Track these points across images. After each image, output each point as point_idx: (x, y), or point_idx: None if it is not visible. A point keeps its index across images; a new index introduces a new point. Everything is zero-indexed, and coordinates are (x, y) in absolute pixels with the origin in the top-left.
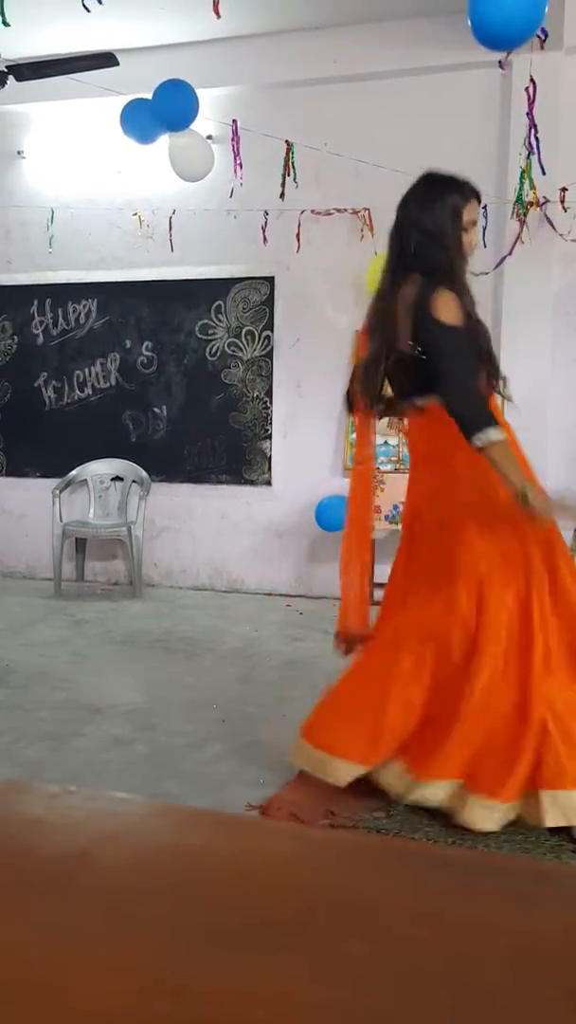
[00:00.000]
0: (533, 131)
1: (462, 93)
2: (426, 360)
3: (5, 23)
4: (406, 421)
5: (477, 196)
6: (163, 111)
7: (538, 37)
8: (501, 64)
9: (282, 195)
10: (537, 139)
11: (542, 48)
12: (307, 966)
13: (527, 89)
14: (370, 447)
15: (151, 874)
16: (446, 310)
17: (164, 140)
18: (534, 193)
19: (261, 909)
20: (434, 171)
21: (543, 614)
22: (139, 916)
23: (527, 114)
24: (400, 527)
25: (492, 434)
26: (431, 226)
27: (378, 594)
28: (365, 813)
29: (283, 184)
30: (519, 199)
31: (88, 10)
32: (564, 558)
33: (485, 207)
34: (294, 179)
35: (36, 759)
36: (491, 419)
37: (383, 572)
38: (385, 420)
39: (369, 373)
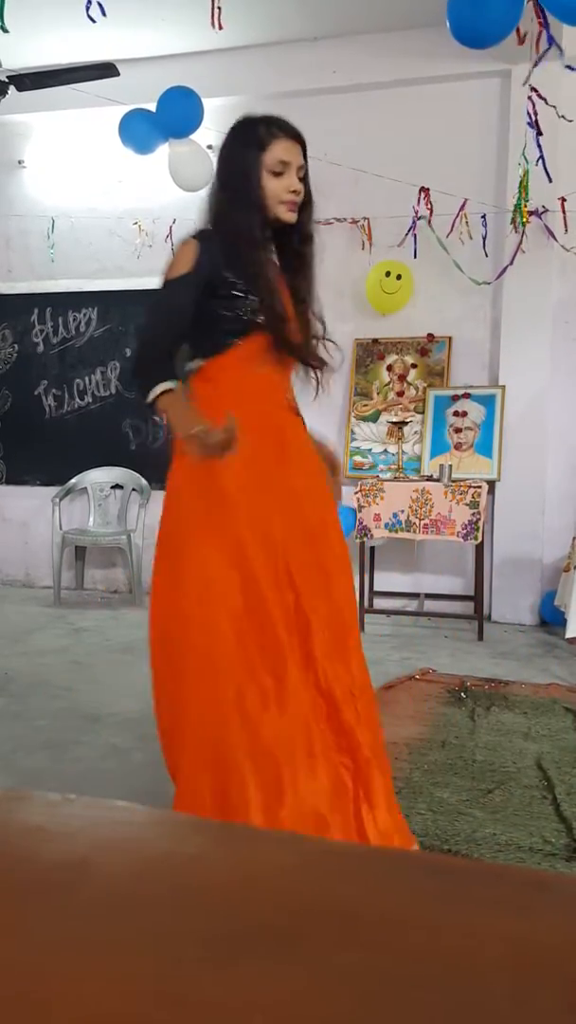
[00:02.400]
0: (536, 140)
1: (461, 104)
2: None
3: (4, 30)
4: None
5: (284, 133)
6: (167, 118)
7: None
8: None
9: None
10: (540, 147)
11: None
12: (305, 974)
13: (530, 98)
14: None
15: (151, 882)
16: (171, 266)
17: (164, 150)
18: (524, 205)
19: (260, 917)
20: (240, 120)
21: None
22: (139, 924)
23: (529, 124)
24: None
25: (158, 388)
26: (229, 183)
27: (378, 602)
28: None
29: None
30: (518, 209)
31: (93, 20)
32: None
33: (484, 216)
34: None
35: (35, 767)
36: (159, 375)
37: (383, 579)
38: (384, 428)
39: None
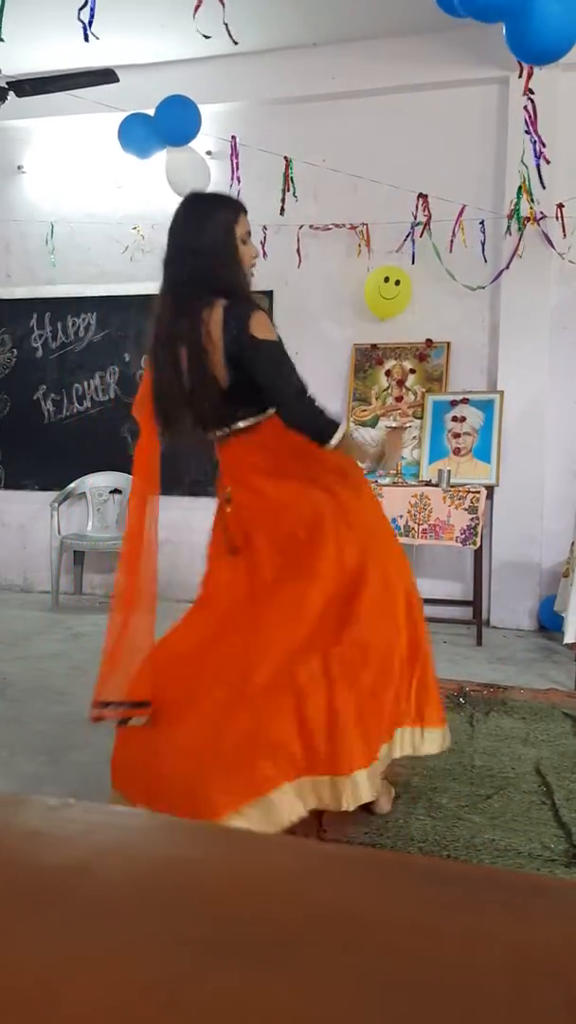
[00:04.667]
0: (534, 147)
1: (459, 109)
2: (246, 379)
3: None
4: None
5: (244, 209)
6: (165, 126)
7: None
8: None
9: (282, 211)
10: (537, 154)
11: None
12: (306, 979)
13: (526, 107)
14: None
15: (150, 886)
16: (263, 327)
17: (162, 156)
18: (531, 210)
19: (259, 921)
20: (197, 191)
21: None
22: (138, 928)
23: (526, 132)
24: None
25: (341, 430)
26: (210, 246)
27: None
28: (355, 829)
29: (283, 200)
30: (516, 214)
31: (92, 38)
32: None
33: (483, 222)
34: (293, 194)
35: (34, 772)
36: (333, 418)
37: None
38: (383, 433)
39: (199, 398)
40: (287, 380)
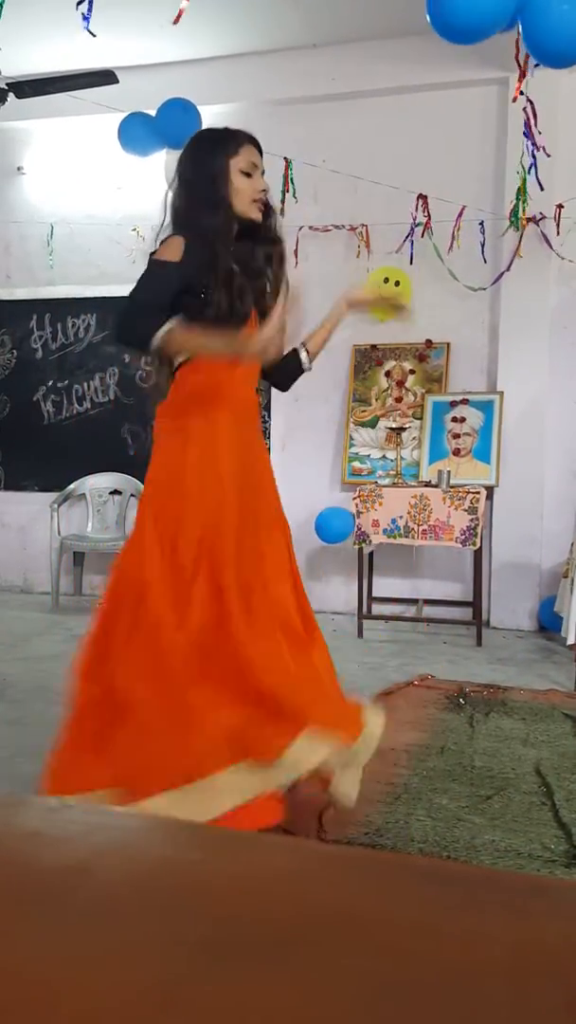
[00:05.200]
0: (531, 149)
1: (459, 110)
2: None
3: None
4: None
5: (249, 140)
6: (166, 128)
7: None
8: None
9: (282, 211)
10: (534, 156)
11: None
12: (305, 979)
13: (525, 109)
14: None
15: (149, 887)
16: (161, 250)
17: (162, 156)
18: (523, 211)
19: (258, 922)
20: (204, 130)
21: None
22: (137, 928)
23: (524, 133)
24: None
25: (166, 327)
26: (195, 182)
27: (377, 608)
28: (356, 830)
29: (283, 200)
30: (515, 215)
31: (93, 35)
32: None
33: (482, 223)
34: (293, 195)
35: (34, 773)
36: (155, 325)
37: (381, 585)
38: (383, 434)
39: None
40: (135, 288)
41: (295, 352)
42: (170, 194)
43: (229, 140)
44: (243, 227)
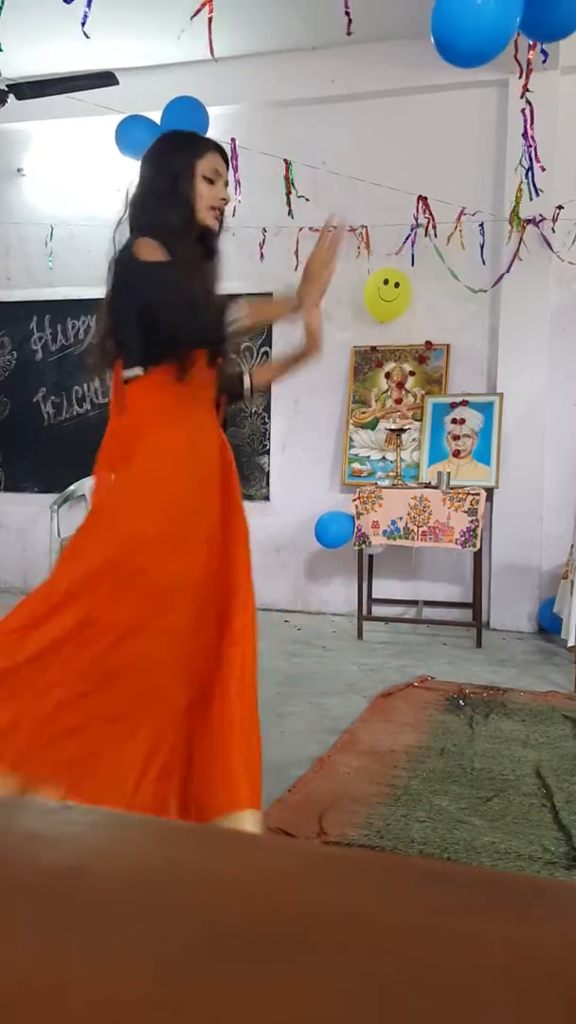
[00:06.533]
0: (530, 150)
1: (459, 112)
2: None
3: None
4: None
5: (215, 147)
6: (173, 126)
7: (542, 51)
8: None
9: (290, 212)
10: (531, 158)
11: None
12: (305, 981)
13: (523, 111)
14: None
15: (149, 889)
16: (145, 251)
17: None
18: (516, 214)
19: (258, 924)
20: (170, 130)
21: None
22: (137, 931)
23: (523, 135)
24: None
25: (235, 314)
26: (159, 185)
27: (376, 609)
28: (356, 832)
29: (288, 202)
30: (515, 217)
31: (87, 36)
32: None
33: (482, 224)
34: (296, 196)
35: None
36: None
37: (381, 587)
38: (382, 435)
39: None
40: (165, 291)
41: (240, 375)
42: (131, 191)
43: (195, 143)
44: (197, 233)
